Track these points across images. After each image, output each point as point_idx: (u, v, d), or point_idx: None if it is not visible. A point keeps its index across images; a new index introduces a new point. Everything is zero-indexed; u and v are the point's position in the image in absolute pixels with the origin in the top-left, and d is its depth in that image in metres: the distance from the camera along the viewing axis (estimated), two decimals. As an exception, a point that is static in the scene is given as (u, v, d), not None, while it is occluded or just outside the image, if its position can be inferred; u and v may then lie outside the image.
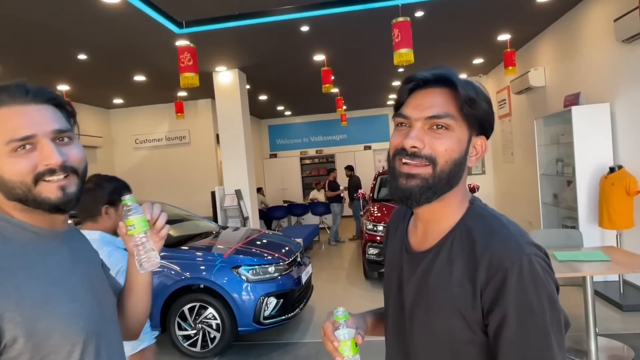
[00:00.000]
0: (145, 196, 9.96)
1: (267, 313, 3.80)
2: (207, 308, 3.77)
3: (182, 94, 8.89)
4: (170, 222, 1.06)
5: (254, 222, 7.51)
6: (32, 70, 6.15)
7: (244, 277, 3.77)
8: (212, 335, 3.77)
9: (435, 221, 0.89)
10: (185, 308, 3.79)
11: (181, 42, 4.14)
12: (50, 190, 0.83)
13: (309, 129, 13.89)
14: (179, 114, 8.83)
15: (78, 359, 0.83)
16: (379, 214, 5.89)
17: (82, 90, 7.93)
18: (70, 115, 0.94)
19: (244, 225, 6.99)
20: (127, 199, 0.96)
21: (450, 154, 0.82)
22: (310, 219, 10.98)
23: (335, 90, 8.92)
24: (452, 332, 0.81)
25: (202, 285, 3.79)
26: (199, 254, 4.01)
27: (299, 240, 6.80)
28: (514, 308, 0.73)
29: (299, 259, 4.42)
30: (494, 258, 0.76)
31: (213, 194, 7.54)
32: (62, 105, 0.92)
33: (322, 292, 5.44)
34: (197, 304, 3.78)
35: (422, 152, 0.81)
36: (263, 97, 10.06)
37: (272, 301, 3.84)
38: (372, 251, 5.49)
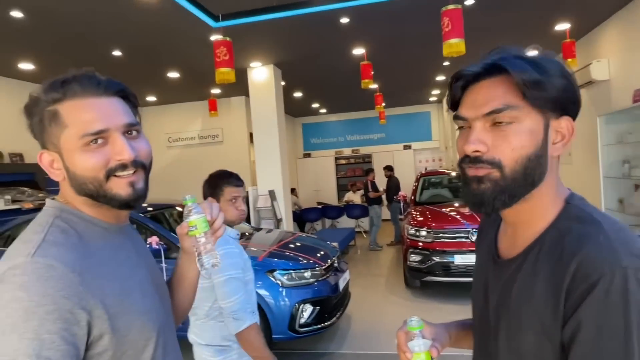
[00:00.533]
0: (178, 196, 10.09)
1: (302, 321, 3.67)
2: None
3: (215, 91, 8.94)
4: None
5: (288, 224, 7.43)
6: (65, 68, 6.30)
7: (278, 282, 3.66)
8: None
9: (524, 224, 0.80)
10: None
11: (217, 37, 4.09)
12: (120, 186, 0.84)
13: (345, 128, 13.73)
14: (212, 112, 8.89)
15: (151, 353, 0.86)
16: (421, 218, 5.66)
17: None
18: (135, 107, 0.93)
19: (278, 228, 6.92)
20: (188, 199, 0.97)
21: (521, 151, 0.72)
22: (345, 222, 10.81)
23: (374, 86, 8.72)
24: (539, 354, 0.72)
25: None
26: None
27: (335, 244, 6.66)
28: (592, 328, 0.63)
29: (335, 264, 4.27)
30: (581, 268, 0.66)
31: (246, 195, 7.52)
32: (128, 97, 0.92)
33: (359, 300, 5.27)
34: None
35: (485, 156, 0.74)
36: (298, 94, 9.99)
37: (308, 308, 3.71)
38: (415, 258, 5.27)
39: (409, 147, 13.11)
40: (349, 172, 13.77)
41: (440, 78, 9.31)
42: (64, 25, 4.74)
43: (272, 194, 7.13)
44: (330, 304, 3.90)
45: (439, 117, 13.02)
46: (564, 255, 0.69)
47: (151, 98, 9.40)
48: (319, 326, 3.76)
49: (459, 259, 4.98)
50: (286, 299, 3.63)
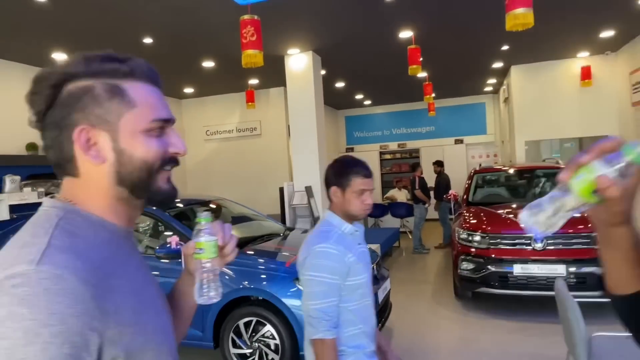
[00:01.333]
0: (213, 190, 10.08)
1: (335, 337, 3.35)
2: (265, 325, 3.42)
3: (253, 81, 8.78)
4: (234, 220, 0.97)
5: (326, 223, 7.13)
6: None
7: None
8: (270, 357, 3.42)
9: None
10: (241, 322, 3.47)
11: (244, 16, 3.83)
12: (163, 180, 0.80)
13: (391, 120, 13.24)
14: (250, 104, 8.75)
15: None
16: (474, 221, 5.17)
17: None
18: None
19: (314, 227, 6.65)
20: (202, 217, 0.90)
21: None
22: (389, 221, 10.39)
23: (423, 74, 8.22)
24: None
25: (260, 298, 3.46)
26: (261, 260, 3.69)
27: (376, 247, 6.29)
28: None
29: (375, 272, 3.92)
30: None
31: (282, 190, 7.30)
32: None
33: (402, 311, 4.88)
34: (254, 319, 3.44)
35: None
36: (340, 85, 9.65)
37: (342, 323, 3.39)
38: (466, 266, 4.81)
39: (461, 141, 12.43)
40: (394, 167, 13.29)
41: (497, 65, 8.65)
42: (93, 13, 4.66)
43: (308, 191, 6.85)
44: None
45: (495, 108, 12.25)
46: None
47: (189, 90, 9.40)
48: (354, 342, 3.43)
49: (519, 269, 4.48)
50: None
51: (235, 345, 3.50)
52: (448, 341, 4.20)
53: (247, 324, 3.47)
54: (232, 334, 3.50)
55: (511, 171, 6.60)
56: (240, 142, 10.02)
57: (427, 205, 8.27)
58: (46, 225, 0.68)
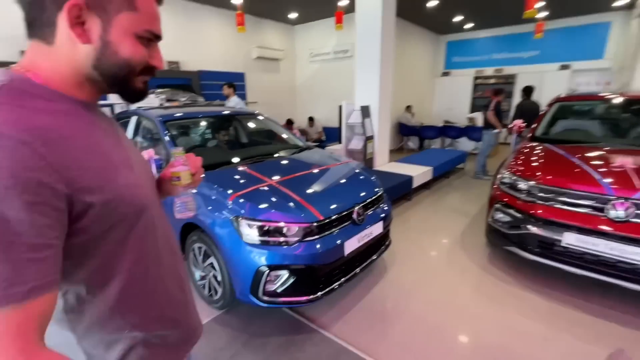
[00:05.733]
0: (309, 106, 8.58)
1: (272, 288, 1.95)
2: (209, 257, 2.18)
3: (342, 3, 6.46)
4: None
5: (382, 143, 5.22)
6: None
7: (243, 234, 1.94)
8: (215, 288, 2.23)
9: None
10: (195, 246, 2.29)
11: None
12: (140, 82, 0.62)
13: (492, 45, 9.35)
14: (338, 25, 6.58)
15: (142, 228, 0.61)
16: (528, 163, 2.74)
17: (259, 4, 6.51)
18: None
19: (365, 146, 4.84)
20: (176, 151, 0.81)
21: None
22: (465, 144, 7.74)
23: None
24: None
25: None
26: (216, 187, 2.20)
27: (427, 169, 4.31)
28: None
29: (354, 216, 2.22)
30: None
31: (340, 108, 5.49)
32: None
33: (412, 246, 3.12)
34: (204, 248, 2.22)
35: None
36: (432, 3, 6.62)
37: (282, 276, 1.94)
38: (500, 217, 2.68)
39: (567, 67, 8.17)
40: (487, 93, 9.73)
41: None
42: None
43: (364, 110, 4.91)
44: (319, 274, 2.01)
45: (623, 27, 7.46)
46: None
47: (293, 15, 7.54)
48: (294, 300, 1.99)
49: (572, 239, 2.24)
50: (248, 259, 1.91)
51: (196, 266, 2.37)
52: (444, 297, 2.40)
53: (200, 249, 2.27)
54: (192, 253, 2.34)
55: (615, 100, 3.40)
56: (335, 64, 8.05)
57: (498, 131, 5.52)
58: None
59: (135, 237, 0.61)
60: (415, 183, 4.52)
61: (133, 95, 0.62)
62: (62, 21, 0.53)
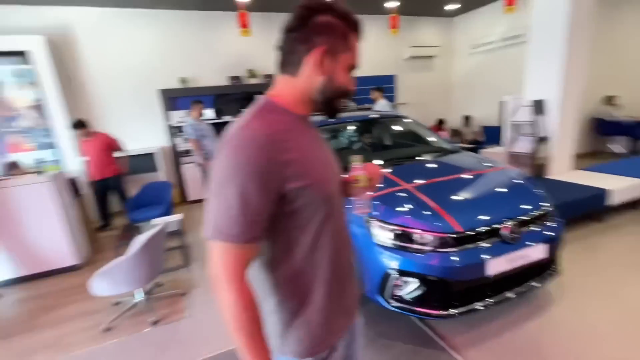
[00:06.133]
0: (465, 104, 7.84)
1: (399, 293, 1.92)
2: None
3: (515, -20, 5.48)
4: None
5: (562, 145, 4.14)
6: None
7: (375, 235, 1.98)
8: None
9: None
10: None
11: None
12: (339, 102, 0.81)
13: None
14: (509, 7, 5.63)
15: (324, 212, 0.77)
16: None
17: (414, 2, 6.38)
18: None
19: (535, 150, 3.98)
20: (355, 159, 0.96)
21: None
22: None
23: None
24: None
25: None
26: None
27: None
28: None
29: (505, 233, 1.88)
30: None
31: (502, 105, 4.67)
32: None
33: (590, 289, 2.36)
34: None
35: None
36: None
37: (411, 283, 1.88)
38: None
39: None
40: None
41: None
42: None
43: (538, 105, 4.03)
44: (452, 289, 1.81)
45: None
46: None
47: (455, 6, 6.95)
48: (423, 311, 1.87)
49: None
50: (378, 261, 1.94)
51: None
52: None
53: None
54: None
55: None
56: (502, 52, 6.91)
57: None
58: (254, 108, 0.77)
59: (327, 221, 0.79)
60: (614, 200, 3.38)
61: (334, 112, 0.81)
62: (308, 62, 0.75)
